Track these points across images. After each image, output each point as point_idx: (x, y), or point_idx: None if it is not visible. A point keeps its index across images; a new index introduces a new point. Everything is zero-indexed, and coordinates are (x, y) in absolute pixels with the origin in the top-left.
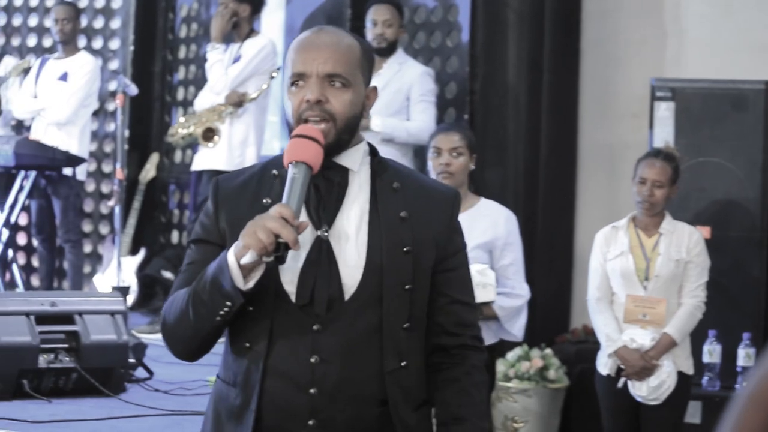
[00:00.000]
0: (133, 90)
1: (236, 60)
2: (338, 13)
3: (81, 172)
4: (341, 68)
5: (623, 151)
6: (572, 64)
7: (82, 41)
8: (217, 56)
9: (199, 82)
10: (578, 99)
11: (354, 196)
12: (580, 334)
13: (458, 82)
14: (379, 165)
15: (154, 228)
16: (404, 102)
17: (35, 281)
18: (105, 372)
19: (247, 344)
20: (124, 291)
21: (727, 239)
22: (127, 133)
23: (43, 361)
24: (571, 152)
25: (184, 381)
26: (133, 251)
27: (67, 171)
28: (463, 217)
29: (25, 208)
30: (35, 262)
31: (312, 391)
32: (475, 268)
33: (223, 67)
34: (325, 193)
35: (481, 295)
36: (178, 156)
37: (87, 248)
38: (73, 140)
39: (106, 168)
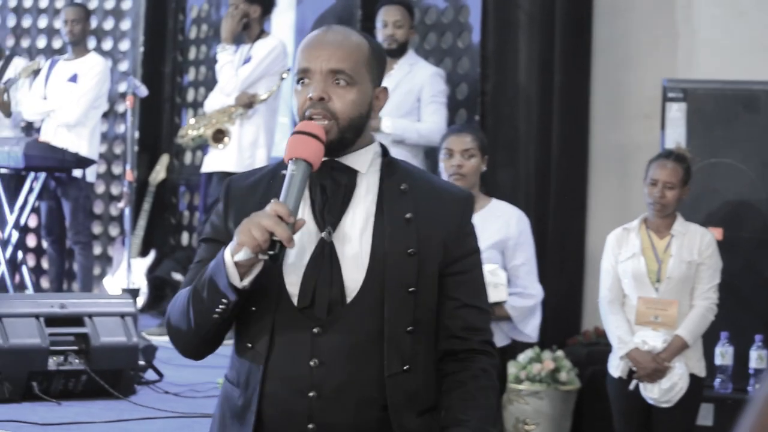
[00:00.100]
0: (143, 91)
1: (246, 61)
2: (349, 14)
3: (91, 173)
4: (345, 65)
5: (635, 152)
6: (583, 65)
7: (91, 42)
8: (227, 57)
9: (210, 83)
10: (589, 100)
11: (361, 198)
12: (592, 336)
13: (469, 83)
14: (388, 166)
15: (164, 230)
16: (415, 103)
17: (45, 283)
18: (115, 374)
19: (249, 344)
20: (134, 293)
21: (739, 240)
22: (137, 134)
23: (52, 363)
24: (582, 153)
25: (194, 383)
26: (143, 253)
27: (77, 173)
28: (474, 218)
29: (35, 210)
30: (45, 264)
31: (311, 394)
32: (486, 269)
33: (233, 69)
34: (331, 194)
35: (492, 295)
36: (188, 157)
37: (97, 250)
38: (83, 142)
39: (116, 170)
